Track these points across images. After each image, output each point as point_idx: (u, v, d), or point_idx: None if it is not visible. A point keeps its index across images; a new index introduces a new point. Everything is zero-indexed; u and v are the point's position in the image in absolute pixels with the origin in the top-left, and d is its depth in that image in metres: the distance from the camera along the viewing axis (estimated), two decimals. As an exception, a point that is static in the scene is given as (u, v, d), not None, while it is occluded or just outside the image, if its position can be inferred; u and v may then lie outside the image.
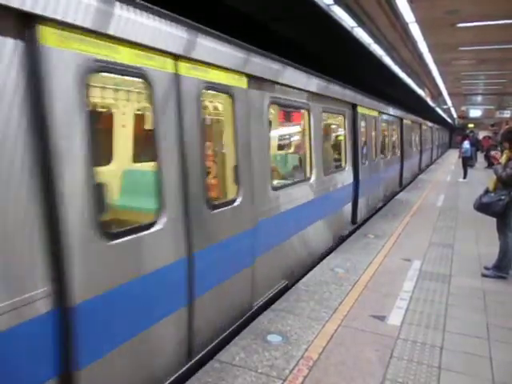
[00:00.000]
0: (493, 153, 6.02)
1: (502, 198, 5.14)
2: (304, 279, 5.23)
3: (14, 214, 2.03)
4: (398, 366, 3.34)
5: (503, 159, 5.28)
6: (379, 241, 7.09)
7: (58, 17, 2.16)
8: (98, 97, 4.51)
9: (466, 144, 17.07)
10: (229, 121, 3.96)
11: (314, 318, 4.14)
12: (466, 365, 3.39)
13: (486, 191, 5.40)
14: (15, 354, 2.04)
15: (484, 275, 5.43)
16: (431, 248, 6.72)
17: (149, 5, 2.81)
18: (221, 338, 3.67)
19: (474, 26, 9.46)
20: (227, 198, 3.98)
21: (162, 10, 2.93)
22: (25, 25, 2.07)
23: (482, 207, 5.40)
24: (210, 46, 3.52)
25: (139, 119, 5.20)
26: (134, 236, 2.73)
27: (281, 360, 3.39)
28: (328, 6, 6.44)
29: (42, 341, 2.17)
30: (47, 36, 2.15)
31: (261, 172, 4.35)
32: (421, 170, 19.55)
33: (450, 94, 25.04)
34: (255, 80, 4.21)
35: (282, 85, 4.91)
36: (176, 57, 3.10)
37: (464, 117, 40.87)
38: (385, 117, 11.36)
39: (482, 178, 14.95)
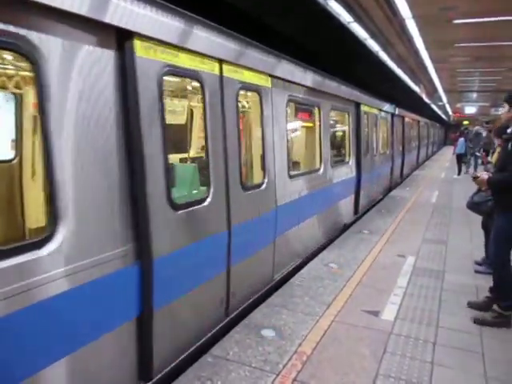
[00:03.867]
0: (478, 154, 6.17)
1: (490, 198, 5.11)
2: (298, 274, 5.24)
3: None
4: (391, 361, 3.35)
5: (494, 158, 5.25)
6: (373, 237, 7.11)
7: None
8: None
9: (462, 141, 17.14)
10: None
11: (308, 313, 4.15)
12: (459, 360, 3.42)
13: (479, 190, 5.38)
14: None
15: (477, 271, 5.46)
16: (425, 244, 6.75)
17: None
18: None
19: (470, 23, 9.46)
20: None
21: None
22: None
23: (472, 206, 5.36)
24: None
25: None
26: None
27: (274, 355, 3.39)
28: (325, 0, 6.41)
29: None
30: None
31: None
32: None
33: (445, 91, 25.09)
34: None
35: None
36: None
37: (459, 114, 40.98)
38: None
39: (476, 175, 14.98)
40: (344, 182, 7.73)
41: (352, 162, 8.40)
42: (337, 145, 8.70)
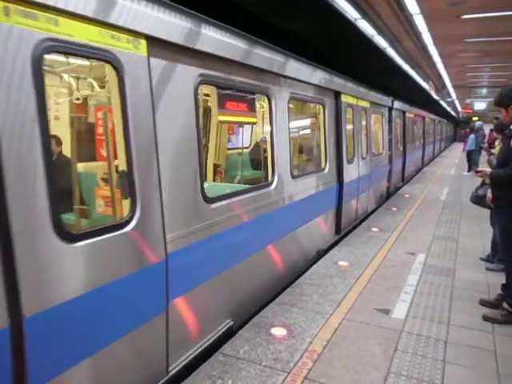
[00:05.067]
0: (482, 146, 6.23)
1: None
2: (307, 273, 5.23)
3: None
4: (402, 360, 3.34)
5: (496, 150, 5.23)
6: (383, 234, 7.07)
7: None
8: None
9: (472, 138, 16.96)
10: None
11: (318, 312, 4.14)
12: (471, 358, 3.39)
13: (482, 183, 5.32)
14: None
15: (488, 269, 5.41)
16: (435, 241, 6.70)
17: None
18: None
19: (480, 18, 9.33)
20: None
21: None
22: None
23: (477, 200, 5.29)
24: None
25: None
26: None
27: (285, 353, 3.39)
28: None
29: None
30: None
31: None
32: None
33: (454, 87, 24.86)
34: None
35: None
36: None
37: (468, 109, 40.56)
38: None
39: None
40: (317, 197, 5.88)
41: (330, 168, 6.40)
42: (304, 147, 7.05)
